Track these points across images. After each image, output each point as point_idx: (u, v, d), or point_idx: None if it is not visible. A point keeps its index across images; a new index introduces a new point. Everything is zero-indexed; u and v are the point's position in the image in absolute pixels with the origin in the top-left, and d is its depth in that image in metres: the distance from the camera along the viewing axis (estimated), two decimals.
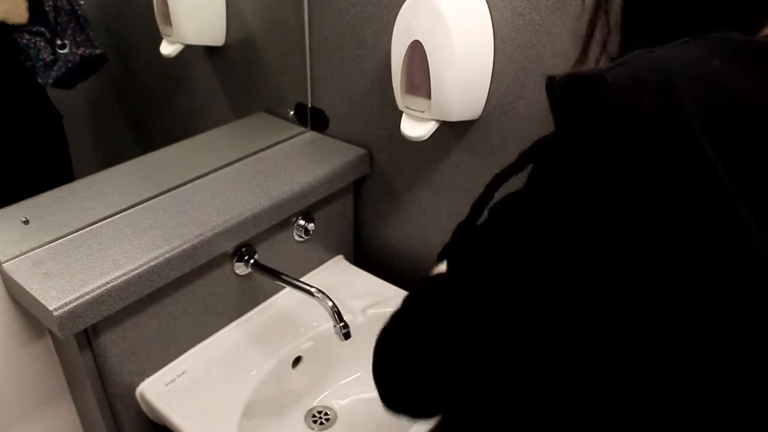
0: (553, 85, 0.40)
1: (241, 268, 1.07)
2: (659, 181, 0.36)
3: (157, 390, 0.98)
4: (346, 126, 1.25)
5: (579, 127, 0.39)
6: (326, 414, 1.11)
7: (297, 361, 1.09)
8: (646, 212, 0.37)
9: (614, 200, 0.38)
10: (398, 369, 0.58)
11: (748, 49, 0.39)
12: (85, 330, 0.88)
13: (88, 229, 0.97)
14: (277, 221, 1.09)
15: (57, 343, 0.98)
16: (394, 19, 0.96)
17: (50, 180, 1.11)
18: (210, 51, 1.41)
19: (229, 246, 1.02)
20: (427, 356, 0.55)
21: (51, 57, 1.18)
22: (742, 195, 0.35)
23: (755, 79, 0.37)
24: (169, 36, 1.35)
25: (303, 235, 1.17)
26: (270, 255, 1.11)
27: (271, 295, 1.17)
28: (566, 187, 0.41)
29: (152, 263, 0.90)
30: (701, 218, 0.35)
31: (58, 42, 1.19)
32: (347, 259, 1.30)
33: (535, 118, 0.96)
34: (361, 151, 1.22)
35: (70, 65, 1.21)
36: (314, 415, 1.10)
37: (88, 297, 0.83)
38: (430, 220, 1.18)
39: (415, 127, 1.00)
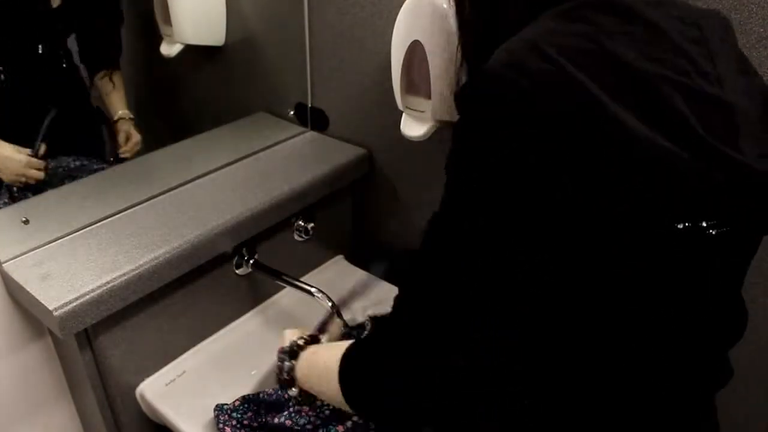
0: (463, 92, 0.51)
1: (241, 268, 1.07)
2: (569, 117, 0.46)
3: (157, 390, 0.98)
4: (346, 126, 1.24)
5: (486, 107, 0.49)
6: None
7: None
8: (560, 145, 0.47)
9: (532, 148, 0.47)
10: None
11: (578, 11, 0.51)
12: (85, 330, 0.88)
13: (88, 229, 0.97)
14: (277, 221, 1.09)
15: (57, 343, 0.98)
16: (394, 19, 0.96)
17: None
18: (210, 51, 1.41)
19: (229, 246, 1.02)
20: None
21: None
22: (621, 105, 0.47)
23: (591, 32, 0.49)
24: (169, 36, 1.35)
25: (303, 235, 1.17)
26: (270, 255, 1.11)
27: (271, 295, 1.17)
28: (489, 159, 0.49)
29: (152, 263, 0.90)
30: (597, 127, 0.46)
31: None
32: (347, 259, 1.30)
33: None
34: (361, 151, 1.22)
35: None
36: None
37: (88, 297, 0.83)
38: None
39: (415, 127, 1.00)
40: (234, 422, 0.89)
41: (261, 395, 0.91)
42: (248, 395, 0.91)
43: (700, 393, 0.60)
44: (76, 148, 1.28)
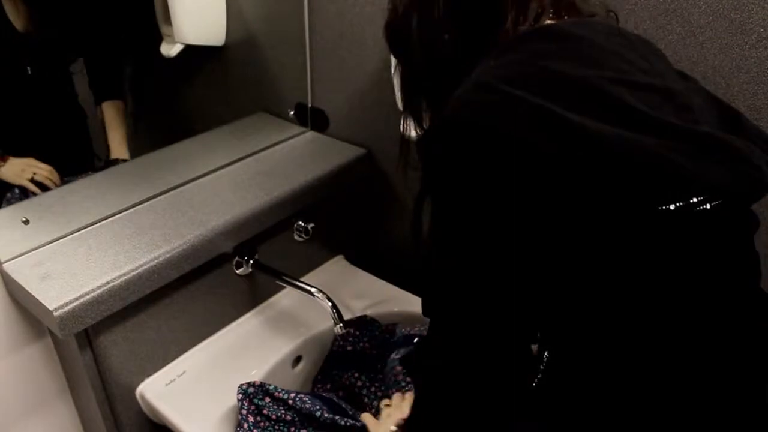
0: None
1: (241, 268, 1.07)
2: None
3: (157, 390, 0.98)
4: (346, 126, 1.24)
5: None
6: None
7: (297, 360, 1.09)
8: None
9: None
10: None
11: (517, 39, 0.57)
12: (85, 330, 0.88)
13: (88, 229, 0.97)
14: (277, 221, 1.09)
15: (57, 343, 0.98)
16: None
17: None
18: (210, 51, 1.41)
19: (229, 246, 1.02)
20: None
21: None
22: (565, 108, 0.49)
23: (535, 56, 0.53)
24: (169, 36, 1.35)
25: (303, 235, 1.17)
26: (270, 255, 1.11)
27: (271, 295, 1.17)
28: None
29: (152, 263, 0.90)
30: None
31: None
32: (347, 259, 1.30)
33: None
34: (361, 151, 1.22)
35: None
36: None
37: (88, 297, 0.83)
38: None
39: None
40: (253, 408, 0.91)
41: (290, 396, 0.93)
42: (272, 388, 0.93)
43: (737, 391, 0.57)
44: (65, 169, 1.28)
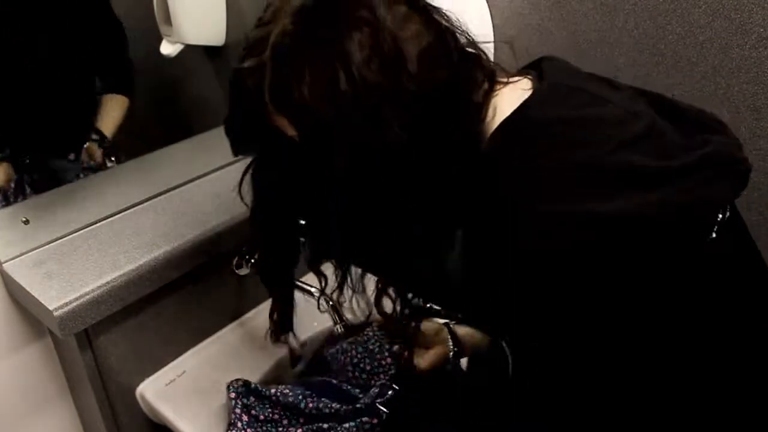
0: None
1: (241, 268, 1.07)
2: None
3: (157, 390, 0.98)
4: None
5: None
6: None
7: (297, 360, 1.08)
8: None
9: None
10: None
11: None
12: (86, 330, 0.88)
13: (88, 229, 0.97)
14: None
15: (57, 343, 0.98)
16: None
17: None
18: (210, 51, 1.41)
19: (229, 246, 1.02)
20: None
21: None
22: None
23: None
24: (169, 36, 1.35)
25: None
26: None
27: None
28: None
29: (152, 263, 0.90)
30: None
31: None
32: None
33: None
34: None
35: None
36: None
37: (88, 297, 0.83)
38: None
39: None
40: (244, 407, 0.90)
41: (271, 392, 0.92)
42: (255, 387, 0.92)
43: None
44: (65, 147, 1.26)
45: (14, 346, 0.95)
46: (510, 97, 0.59)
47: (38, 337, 0.97)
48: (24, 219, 0.96)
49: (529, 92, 0.59)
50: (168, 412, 0.95)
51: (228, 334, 1.10)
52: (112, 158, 1.33)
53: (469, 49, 0.60)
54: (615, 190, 0.50)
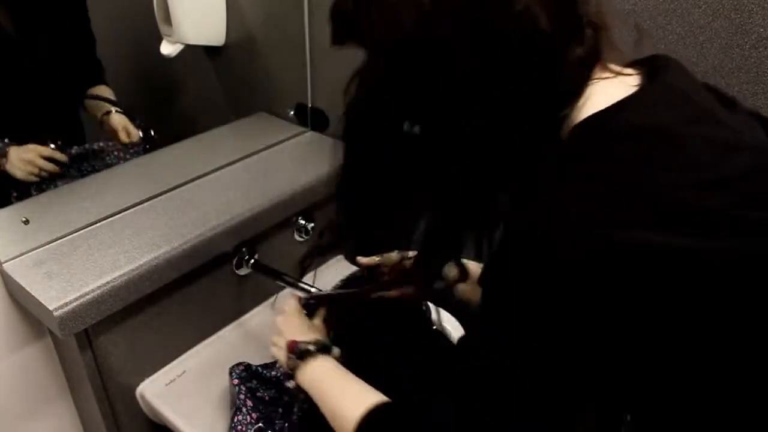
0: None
1: (241, 268, 1.07)
2: None
3: (157, 390, 0.98)
4: None
5: None
6: None
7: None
8: None
9: None
10: None
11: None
12: (86, 330, 0.88)
13: (88, 229, 0.97)
14: (277, 221, 1.09)
15: (57, 343, 0.98)
16: None
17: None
18: (210, 51, 1.41)
19: (229, 246, 1.02)
20: None
21: None
22: None
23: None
24: (169, 36, 1.35)
25: (303, 235, 1.17)
26: (270, 255, 1.11)
27: (271, 295, 1.17)
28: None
29: (152, 263, 0.90)
30: None
31: None
32: (347, 258, 1.30)
33: None
34: None
35: None
36: None
37: (88, 297, 0.83)
38: None
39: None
40: (248, 391, 0.90)
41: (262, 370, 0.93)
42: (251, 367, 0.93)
43: None
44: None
45: (14, 346, 0.95)
46: (612, 89, 0.51)
47: (38, 337, 0.97)
48: (24, 219, 0.96)
49: (634, 90, 0.51)
50: (168, 412, 0.95)
51: (228, 334, 1.10)
52: (151, 131, 1.34)
53: (594, 21, 0.52)
54: (686, 230, 0.44)
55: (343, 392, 0.71)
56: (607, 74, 0.53)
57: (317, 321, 0.86)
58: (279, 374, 0.92)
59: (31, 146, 1.17)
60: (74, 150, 1.21)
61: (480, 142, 0.51)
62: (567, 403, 0.54)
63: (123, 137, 1.30)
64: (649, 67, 0.55)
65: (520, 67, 0.49)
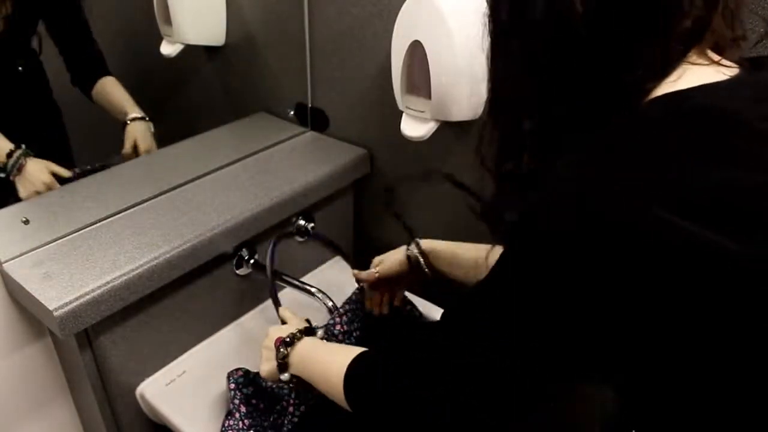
0: None
1: (241, 268, 1.07)
2: None
3: (157, 390, 0.98)
4: (346, 126, 1.24)
5: None
6: None
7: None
8: None
9: None
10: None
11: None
12: (86, 330, 0.88)
13: (88, 229, 0.97)
14: (277, 221, 1.09)
15: (57, 343, 0.98)
16: (394, 19, 0.96)
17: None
18: (210, 51, 1.41)
19: (229, 246, 1.02)
20: None
21: None
22: None
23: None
24: (169, 36, 1.35)
25: (303, 235, 1.17)
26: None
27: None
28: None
29: (152, 263, 0.90)
30: None
31: None
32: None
33: None
34: (361, 151, 1.22)
35: None
36: None
37: (88, 297, 0.83)
38: (430, 219, 1.18)
39: (415, 127, 1.00)
40: (243, 396, 0.91)
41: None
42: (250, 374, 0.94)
43: None
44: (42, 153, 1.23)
45: (14, 346, 0.95)
46: (705, 74, 0.50)
47: (38, 337, 0.97)
48: (24, 219, 0.96)
49: (725, 78, 0.50)
50: (168, 412, 0.95)
51: (228, 334, 1.10)
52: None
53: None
54: (728, 229, 0.42)
55: (331, 354, 0.75)
56: (702, 60, 0.51)
57: (289, 314, 0.91)
58: (274, 385, 0.93)
59: (52, 166, 1.14)
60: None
61: (576, 89, 0.52)
62: (566, 403, 0.54)
63: (127, 148, 1.30)
64: (755, 63, 0.54)
65: (631, 30, 0.48)
